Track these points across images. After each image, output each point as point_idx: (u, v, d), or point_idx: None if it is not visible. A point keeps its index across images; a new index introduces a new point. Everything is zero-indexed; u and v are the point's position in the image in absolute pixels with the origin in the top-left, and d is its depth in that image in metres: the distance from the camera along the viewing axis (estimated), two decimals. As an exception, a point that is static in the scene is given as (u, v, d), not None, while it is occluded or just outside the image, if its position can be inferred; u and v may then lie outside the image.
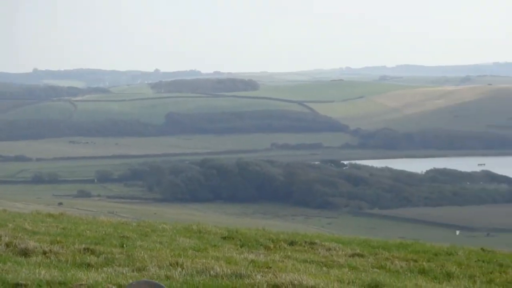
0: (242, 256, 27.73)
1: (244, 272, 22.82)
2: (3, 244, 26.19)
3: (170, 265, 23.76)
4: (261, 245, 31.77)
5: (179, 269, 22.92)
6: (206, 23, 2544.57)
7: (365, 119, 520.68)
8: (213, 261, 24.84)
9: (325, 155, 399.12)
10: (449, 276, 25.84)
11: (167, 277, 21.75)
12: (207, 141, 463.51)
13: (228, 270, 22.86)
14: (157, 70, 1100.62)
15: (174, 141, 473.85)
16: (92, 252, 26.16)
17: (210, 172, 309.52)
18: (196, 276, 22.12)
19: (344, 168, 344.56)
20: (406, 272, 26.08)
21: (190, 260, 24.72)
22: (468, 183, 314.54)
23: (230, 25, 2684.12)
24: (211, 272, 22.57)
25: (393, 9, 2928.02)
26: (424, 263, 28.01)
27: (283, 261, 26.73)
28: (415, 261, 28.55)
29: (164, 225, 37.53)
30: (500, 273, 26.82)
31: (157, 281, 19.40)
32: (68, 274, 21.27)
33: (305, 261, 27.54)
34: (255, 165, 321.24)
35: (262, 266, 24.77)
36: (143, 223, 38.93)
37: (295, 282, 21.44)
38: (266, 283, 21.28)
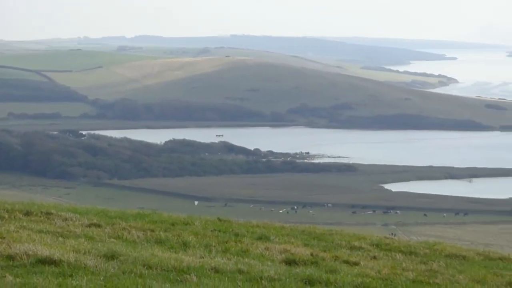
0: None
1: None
2: None
3: None
4: (-4, 215, 34.27)
5: None
6: None
7: (104, 89, 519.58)
8: None
9: (63, 125, 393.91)
10: (185, 245, 26.12)
11: None
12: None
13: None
14: None
15: None
16: None
17: None
18: None
19: (83, 138, 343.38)
20: (143, 242, 26.18)
21: None
22: (206, 153, 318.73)
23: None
24: None
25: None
26: (161, 233, 28.12)
27: (18, 232, 26.06)
28: (152, 231, 28.62)
29: None
30: (236, 242, 27.38)
31: None
32: None
33: (40, 231, 27.01)
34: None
35: (-4, 237, 26.58)
36: None
37: (30, 252, 21.11)
38: (-1, 254, 22.71)
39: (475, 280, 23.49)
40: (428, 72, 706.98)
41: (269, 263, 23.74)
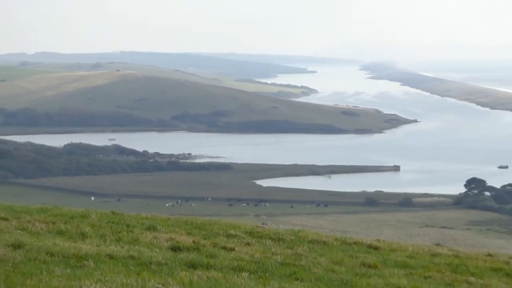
0: None
1: None
2: None
3: None
4: None
5: None
6: None
7: (8, 100, 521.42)
8: None
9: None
10: (83, 235, 25.85)
11: None
12: None
13: None
14: None
15: None
16: None
17: None
18: None
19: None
20: (45, 233, 25.88)
21: None
22: (101, 155, 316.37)
23: None
24: None
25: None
26: (61, 225, 27.75)
27: None
28: (54, 223, 28.29)
29: None
30: (127, 232, 27.26)
31: None
32: None
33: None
34: None
35: None
36: None
37: None
38: None
39: (334, 261, 23.82)
40: (292, 83, 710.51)
41: (157, 250, 23.71)
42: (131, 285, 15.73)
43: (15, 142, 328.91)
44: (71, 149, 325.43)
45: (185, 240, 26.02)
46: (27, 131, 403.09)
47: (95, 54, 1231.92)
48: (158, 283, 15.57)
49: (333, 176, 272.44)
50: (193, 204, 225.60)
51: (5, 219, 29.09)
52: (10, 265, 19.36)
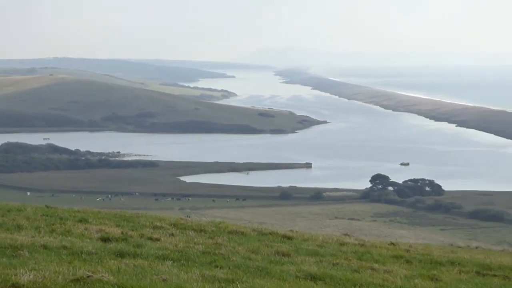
0: None
1: None
2: None
3: None
4: None
5: None
6: None
7: None
8: None
9: None
10: (19, 227, 25.46)
11: None
12: None
13: None
14: None
15: None
16: None
17: None
18: None
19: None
20: (-17, 227, 28.05)
21: None
22: (36, 154, 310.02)
23: None
24: None
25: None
26: (-3, 218, 30.53)
27: None
28: (-10, 216, 30.84)
29: None
30: (61, 224, 26.94)
31: None
32: None
33: None
34: None
35: None
36: None
37: None
38: None
39: (251, 250, 23.94)
40: (213, 87, 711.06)
41: (88, 240, 23.52)
42: (63, 273, 15.63)
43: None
44: (8, 147, 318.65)
45: (114, 231, 25.81)
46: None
47: (29, 60, 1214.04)
48: (88, 271, 15.49)
49: (251, 172, 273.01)
50: (122, 199, 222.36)
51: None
52: (-51, 255, 20.51)
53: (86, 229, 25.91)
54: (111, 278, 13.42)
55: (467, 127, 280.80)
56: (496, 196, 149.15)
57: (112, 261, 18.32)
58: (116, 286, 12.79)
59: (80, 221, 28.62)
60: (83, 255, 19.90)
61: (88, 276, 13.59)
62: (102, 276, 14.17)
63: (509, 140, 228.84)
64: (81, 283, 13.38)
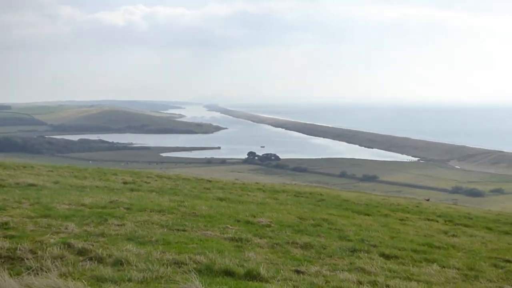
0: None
1: None
2: None
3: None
4: None
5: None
6: None
7: None
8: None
9: None
10: (84, 177, 29.84)
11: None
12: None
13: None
14: None
15: None
16: None
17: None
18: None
19: None
20: None
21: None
22: (92, 144, 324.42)
23: None
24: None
25: None
26: None
27: None
28: None
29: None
30: (104, 175, 31.54)
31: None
32: None
33: None
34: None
35: None
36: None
37: None
38: None
39: (192, 187, 28.41)
40: (176, 113, 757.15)
41: (116, 183, 28.02)
42: (104, 199, 18.65)
43: None
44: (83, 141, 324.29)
45: (129, 179, 30.85)
46: None
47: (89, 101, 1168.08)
48: (116, 198, 18.76)
49: (193, 151, 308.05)
50: (133, 164, 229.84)
51: None
52: None
53: (116, 178, 30.88)
54: (127, 200, 16.75)
55: (291, 130, 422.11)
56: (306, 160, 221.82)
57: (127, 192, 22.00)
58: (129, 205, 15.39)
59: (113, 174, 33.76)
60: (114, 190, 23.80)
61: (116, 200, 16.82)
62: (123, 200, 17.29)
63: (308, 136, 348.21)
64: (113, 204, 16.28)
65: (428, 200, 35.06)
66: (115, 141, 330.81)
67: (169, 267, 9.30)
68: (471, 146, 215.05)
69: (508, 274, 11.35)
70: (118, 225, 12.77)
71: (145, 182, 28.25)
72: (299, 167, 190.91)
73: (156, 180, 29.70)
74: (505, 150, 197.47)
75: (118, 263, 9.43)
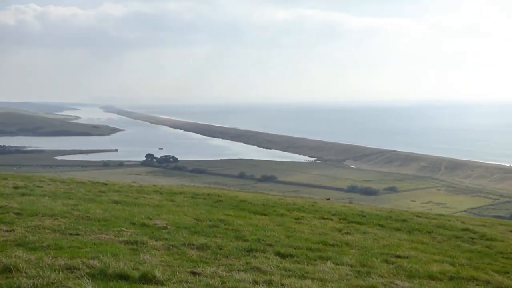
0: None
1: None
2: None
3: None
4: None
5: None
6: None
7: None
8: None
9: None
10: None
11: None
12: None
13: None
14: None
15: None
16: None
17: None
18: None
19: None
20: None
21: None
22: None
23: None
24: None
25: None
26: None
27: None
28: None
29: None
30: None
31: None
32: None
33: None
34: None
35: None
36: None
37: None
38: None
39: (87, 190, 27.50)
40: (71, 114, 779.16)
41: (6, 188, 26.80)
42: None
43: None
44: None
45: (20, 183, 29.86)
46: None
47: None
48: (6, 203, 18.35)
49: (90, 154, 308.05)
50: (25, 168, 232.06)
51: None
52: None
53: (6, 183, 29.48)
54: (17, 205, 16.62)
55: (189, 131, 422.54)
56: (205, 162, 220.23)
57: (18, 197, 21.21)
58: (19, 210, 15.61)
59: (4, 179, 31.94)
60: (3, 195, 23.08)
61: (6, 206, 16.63)
62: (12, 205, 16.94)
63: (207, 137, 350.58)
64: (2, 209, 16.64)
65: (328, 199, 35.95)
66: (6, 145, 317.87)
67: (61, 272, 9.16)
68: (366, 146, 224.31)
69: (399, 269, 11.65)
70: (7, 230, 12.49)
71: (38, 186, 27.60)
72: (198, 169, 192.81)
73: (49, 184, 29.12)
74: (397, 150, 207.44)
75: (7, 270, 9.31)
